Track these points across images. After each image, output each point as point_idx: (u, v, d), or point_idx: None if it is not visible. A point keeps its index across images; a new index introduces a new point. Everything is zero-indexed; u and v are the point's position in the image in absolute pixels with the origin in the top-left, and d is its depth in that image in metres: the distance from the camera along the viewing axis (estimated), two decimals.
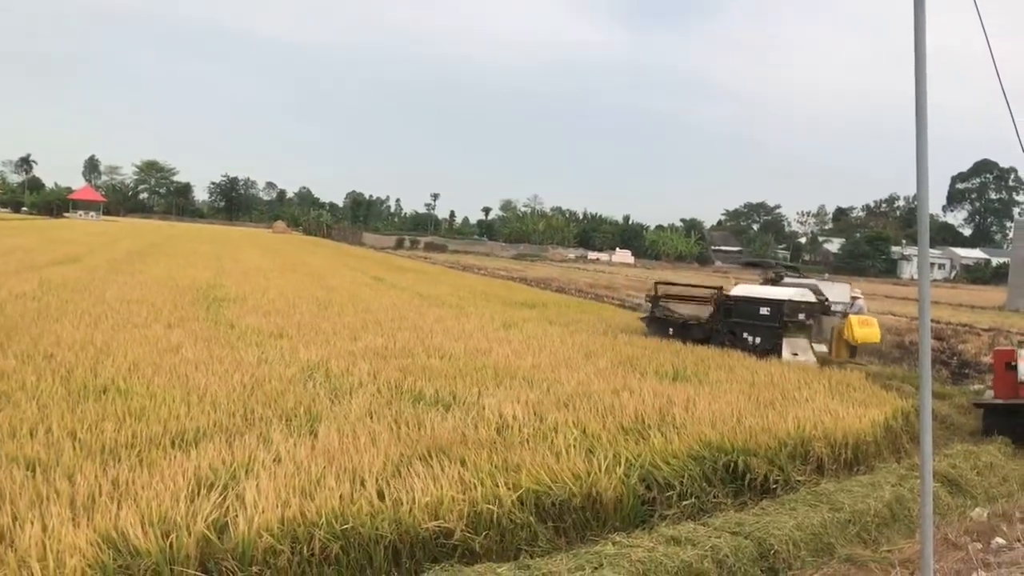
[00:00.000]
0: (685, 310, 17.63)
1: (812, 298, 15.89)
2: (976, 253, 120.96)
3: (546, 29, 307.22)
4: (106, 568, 4.43)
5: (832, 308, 16.23)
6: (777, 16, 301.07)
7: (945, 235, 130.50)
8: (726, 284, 20.36)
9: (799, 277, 17.74)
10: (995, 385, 11.80)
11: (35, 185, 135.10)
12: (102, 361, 9.33)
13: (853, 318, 15.90)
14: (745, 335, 15.78)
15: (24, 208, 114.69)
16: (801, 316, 15.49)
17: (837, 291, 16.71)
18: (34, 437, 6.30)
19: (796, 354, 15.08)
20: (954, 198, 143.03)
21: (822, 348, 15.78)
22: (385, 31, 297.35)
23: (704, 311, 17.11)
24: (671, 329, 17.02)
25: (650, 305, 18.18)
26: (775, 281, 17.30)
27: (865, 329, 15.60)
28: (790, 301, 15.52)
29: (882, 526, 7.04)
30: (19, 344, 10.03)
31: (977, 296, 58.77)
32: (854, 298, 17.56)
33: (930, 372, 4.75)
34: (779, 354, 14.88)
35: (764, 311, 15.61)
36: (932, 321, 5.03)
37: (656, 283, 19.23)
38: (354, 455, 6.35)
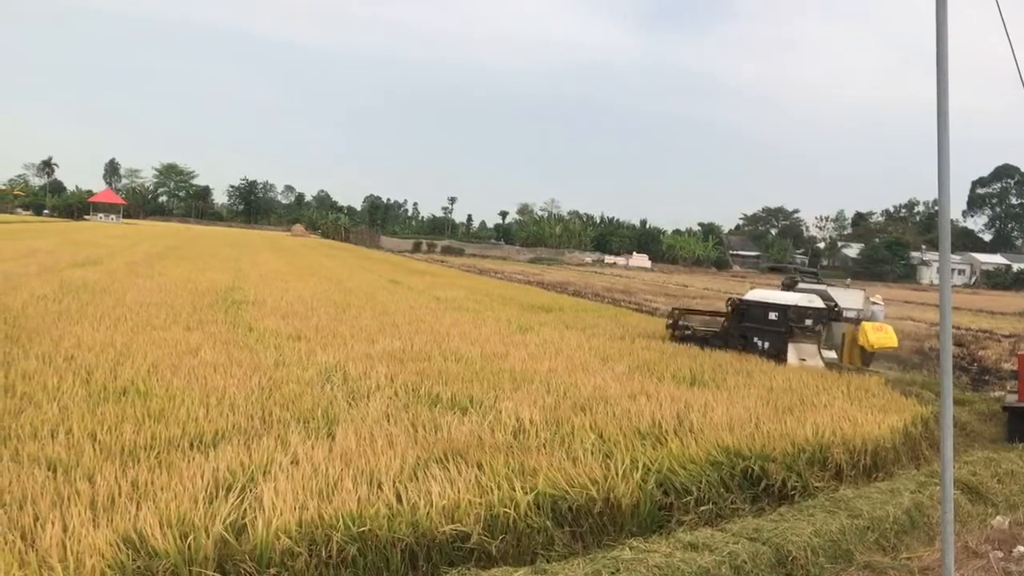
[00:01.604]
0: (702, 328, 17.93)
1: (820, 304, 15.94)
2: (997, 258, 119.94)
3: (563, 32, 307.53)
4: (125, 569, 4.46)
5: (845, 314, 16.24)
6: (796, 19, 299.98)
7: (965, 240, 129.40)
8: (741, 290, 20.43)
9: (817, 282, 17.73)
10: (1020, 390, 11.76)
11: (56, 188, 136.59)
12: (122, 363, 9.40)
13: (867, 324, 15.99)
14: (755, 339, 15.94)
15: (45, 211, 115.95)
16: (808, 322, 15.51)
17: (850, 297, 16.74)
18: (55, 438, 6.36)
19: (804, 359, 15.12)
20: (974, 203, 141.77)
21: (831, 354, 15.83)
22: (403, 36, 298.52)
23: (717, 326, 17.47)
24: (688, 335, 17.18)
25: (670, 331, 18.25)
26: (790, 286, 17.37)
27: (880, 335, 15.69)
28: (796, 306, 15.60)
29: (901, 533, 6.99)
30: (40, 346, 10.12)
31: (997, 302, 58.24)
32: (873, 304, 17.60)
33: (951, 378, 4.71)
34: (784, 359, 14.94)
35: (772, 316, 15.73)
36: (952, 327, 4.99)
37: (674, 309, 19.72)
38: (371, 458, 6.37)
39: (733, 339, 16.46)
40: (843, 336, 16.30)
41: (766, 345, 15.68)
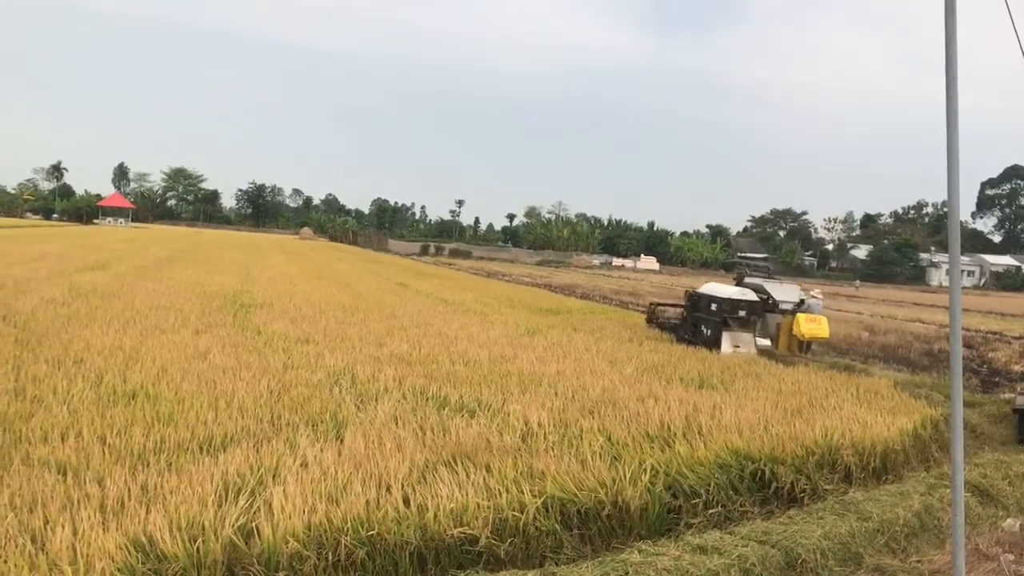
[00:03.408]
0: (670, 315, 20.67)
1: (753, 297, 17.39)
2: (1006, 260, 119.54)
3: (570, 34, 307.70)
4: (135, 572, 4.47)
5: (781, 306, 17.64)
6: (803, 20, 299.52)
7: (975, 242, 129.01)
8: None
9: (768, 276, 18.99)
10: None
11: (65, 192, 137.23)
12: (131, 366, 9.43)
13: (801, 316, 17.11)
14: (702, 327, 17.74)
15: (55, 215, 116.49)
16: (742, 313, 17.05)
17: (785, 291, 18.00)
18: (65, 441, 6.38)
19: (738, 347, 16.56)
20: (984, 204, 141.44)
21: (765, 342, 17.27)
22: (410, 39, 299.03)
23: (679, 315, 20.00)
24: (660, 330, 19.57)
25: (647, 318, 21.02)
26: (739, 280, 18.89)
27: (812, 326, 16.88)
28: (729, 299, 17.17)
29: (911, 536, 6.96)
30: (50, 349, 10.16)
31: (1007, 303, 58.07)
32: (812, 297, 19.05)
33: (961, 380, 4.69)
34: (719, 346, 16.60)
35: (713, 307, 17.51)
36: (962, 329, 4.97)
37: (651, 303, 23.49)
38: (380, 461, 6.37)
39: (688, 327, 18.39)
40: (778, 326, 17.53)
41: (708, 332, 17.38)
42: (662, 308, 21.41)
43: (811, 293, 19.58)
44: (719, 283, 19.71)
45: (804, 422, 9.02)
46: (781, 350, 17.26)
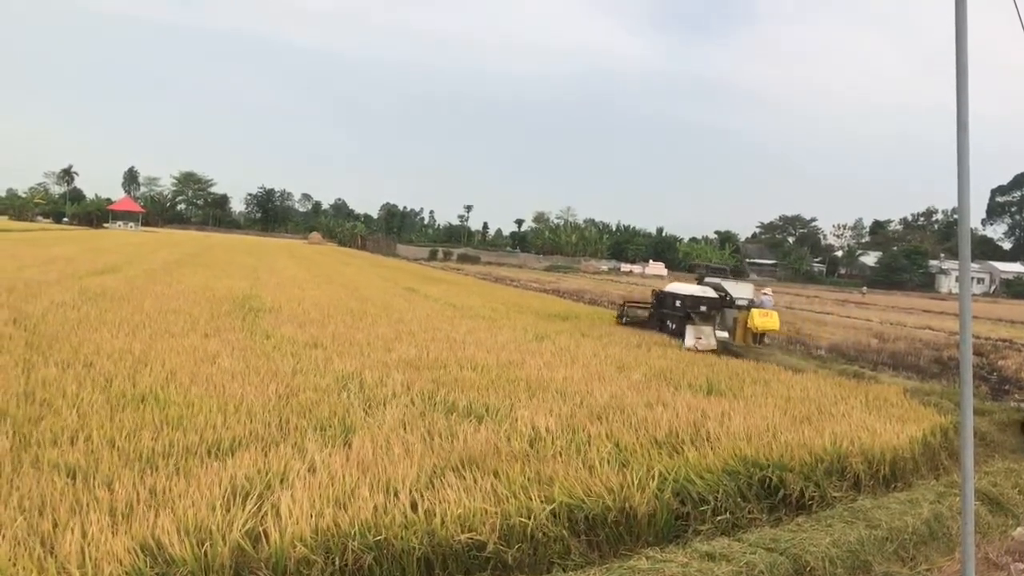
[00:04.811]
0: (639, 312, 23.29)
1: (712, 294, 19.48)
2: (1016, 267, 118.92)
3: (580, 39, 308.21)
4: (142, 575, 4.48)
5: (737, 302, 19.64)
6: (814, 26, 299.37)
7: (984, 249, 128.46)
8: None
9: (725, 278, 20.93)
10: None
11: (76, 196, 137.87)
12: (140, 370, 9.46)
13: (755, 311, 18.96)
14: (668, 322, 19.93)
15: (65, 219, 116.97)
16: (703, 308, 19.00)
17: (741, 289, 20.09)
18: (74, 445, 6.40)
19: (700, 338, 17.96)
20: (994, 211, 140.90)
21: (724, 334, 18.88)
22: (420, 43, 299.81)
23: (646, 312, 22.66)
24: (627, 322, 22.22)
25: (620, 312, 23.77)
26: (700, 280, 21.07)
27: (764, 319, 18.69)
28: (691, 296, 19.11)
29: (920, 544, 6.93)
30: (60, 353, 10.20)
31: (1017, 311, 57.78)
32: (763, 295, 21.13)
33: (971, 388, 4.67)
34: (683, 338, 18.10)
35: (677, 304, 19.74)
36: (972, 336, 4.94)
37: (624, 300, 26.88)
38: (387, 466, 6.37)
39: (655, 322, 20.72)
40: (735, 320, 19.26)
41: (674, 326, 19.42)
42: (631, 307, 24.01)
43: (762, 291, 21.70)
44: (679, 283, 21.86)
45: (813, 429, 8.99)
46: (738, 341, 18.85)
